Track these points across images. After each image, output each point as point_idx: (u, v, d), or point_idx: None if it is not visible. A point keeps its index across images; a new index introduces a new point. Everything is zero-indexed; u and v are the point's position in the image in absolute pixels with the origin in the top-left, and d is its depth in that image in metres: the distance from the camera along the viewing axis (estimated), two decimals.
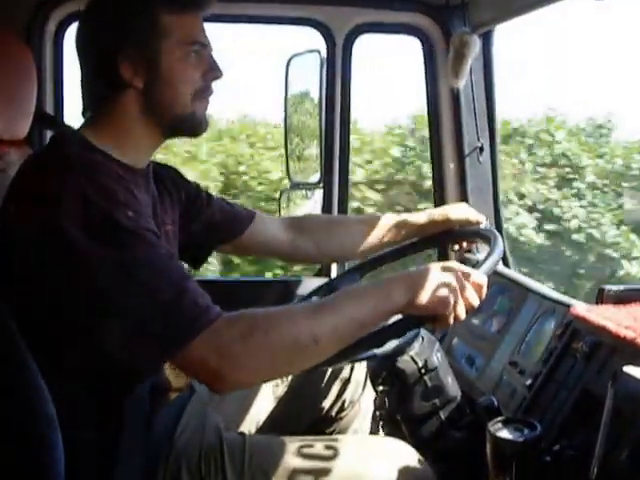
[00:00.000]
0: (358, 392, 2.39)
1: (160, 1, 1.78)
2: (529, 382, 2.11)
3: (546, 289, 2.39)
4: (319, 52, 3.04)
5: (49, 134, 2.71)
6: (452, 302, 1.67)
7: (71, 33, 2.83)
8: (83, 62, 1.86)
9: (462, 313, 1.70)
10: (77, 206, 1.57)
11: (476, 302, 1.73)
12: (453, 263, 1.76)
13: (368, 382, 2.33)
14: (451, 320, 1.70)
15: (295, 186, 3.37)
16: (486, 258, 1.88)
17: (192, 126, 1.86)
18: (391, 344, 1.98)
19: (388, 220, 2.43)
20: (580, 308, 2.05)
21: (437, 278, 1.69)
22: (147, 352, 1.57)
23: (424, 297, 1.66)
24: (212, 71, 1.84)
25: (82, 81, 1.88)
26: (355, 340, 1.69)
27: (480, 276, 1.74)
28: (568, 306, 2.14)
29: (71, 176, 1.62)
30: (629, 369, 1.61)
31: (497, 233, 2.08)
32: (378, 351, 1.93)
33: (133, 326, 1.55)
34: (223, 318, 1.58)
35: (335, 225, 2.51)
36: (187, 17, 1.80)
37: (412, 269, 1.76)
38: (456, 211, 2.39)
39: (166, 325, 1.55)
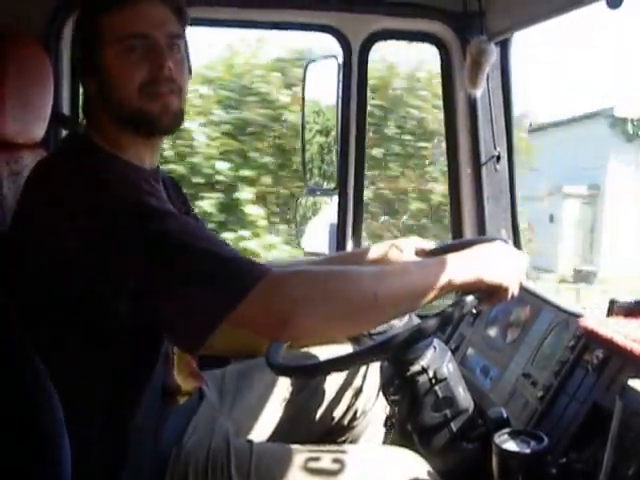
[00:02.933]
0: (370, 402, 2.39)
1: (96, 4, 1.79)
2: (541, 394, 2.09)
3: (562, 300, 2.37)
4: (336, 58, 3.04)
5: None
6: (512, 277, 1.77)
7: None
8: None
9: (517, 290, 1.80)
10: (106, 203, 1.59)
11: (524, 280, 1.85)
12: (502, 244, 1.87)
13: (380, 392, 2.32)
14: (509, 296, 1.79)
15: (311, 192, 3.37)
16: None
17: (148, 123, 1.79)
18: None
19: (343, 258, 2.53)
20: (590, 320, 2.04)
21: (498, 253, 1.80)
22: (210, 310, 1.55)
23: (491, 270, 1.74)
24: (155, 63, 1.75)
25: None
26: (412, 309, 1.77)
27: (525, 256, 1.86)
28: (579, 317, 2.13)
29: (90, 173, 1.65)
30: (635, 383, 1.59)
31: (508, 241, 2.07)
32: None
33: (195, 287, 1.55)
34: (281, 270, 1.60)
35: None
36: (118, 13, 1.76)
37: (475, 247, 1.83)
38: (407, 242, 2.35)
39: (227, 279, 1.56)
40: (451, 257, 1.74)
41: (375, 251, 2.30)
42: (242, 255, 1.63)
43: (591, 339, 1.99)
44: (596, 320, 2.04)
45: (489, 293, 1.78)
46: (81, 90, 2.86)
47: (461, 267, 1.72)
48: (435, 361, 2.04)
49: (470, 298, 1.78)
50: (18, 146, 2.04)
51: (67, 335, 1.70)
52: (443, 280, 1.68)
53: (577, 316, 2.18)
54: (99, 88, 1.79)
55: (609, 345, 1.89)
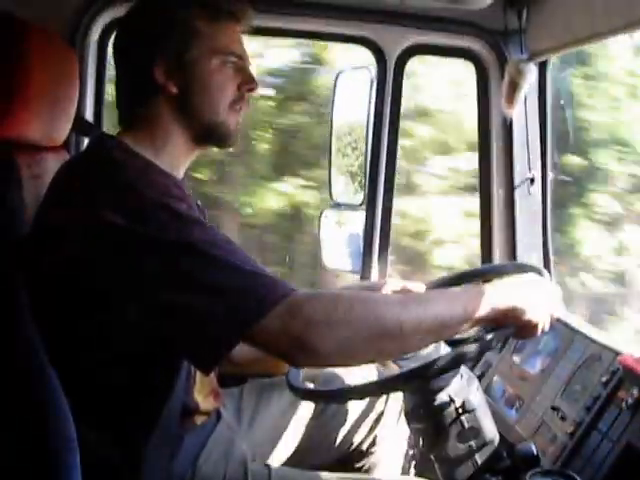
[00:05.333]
0: (391, 428, 2.32)
1: (197, 8, 1.79)
2: (571, 429, 2.03)
3: (594, 332, 2.30)
4: (369, 69, 2.98)
5: (86, 141, 2.69)
6: (544, 312, 1.72)
7: None
8: (119, 67, 1.87)
9: (548, 325, 1.75)
10: (132, 203, 1.57)
11: (556, 314, 1.78)
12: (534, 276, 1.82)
13: (402, 417, 2.26)
14: (539, 332, 1.74)
15: (336, 206, 3.31)
16: None
17: (222, 135, 1.85)
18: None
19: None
20: (629, 358, 1.96)
21: (530, 287, 1.74)
22: (227, 326, 1.51)
23: (521, 304, 1.69)
24: (248, 83, 1.84)
25: (117, 86, 1.88)
26: (437, 340, 1.77)
27: (558, 289, 1.81)
28: (616, 352, 2.07)
29: (119, 176, 1.62)
30: None
31: (542, 268, 2.01)
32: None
33: (212, 302, 1.51)
34: (304, 291, 1.56)
35: None
36: (223, 27, 1.81)
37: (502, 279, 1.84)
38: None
39: (247, 295, 1.52)
40: (482, 288, 1.70)
41: (393, 284, 2.23)
42: (266, 272, 1.58)
43: (629, 377, 1.92)
44: (635, 357, 1.96)
45: (519, 327, 1.73)
46: (108, 91, 2.84)
47: (492, 300, 1.66)
48: (462, 390, 1.97)
49: (503, 330, 1.73)
50: (40, 149, 1.99)
51: (82, 348, 1.68)
52: (472, 312, 1.63)
53: (611, 350, 2.12)
54: (181, 88, 1.79)
55: None
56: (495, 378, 2.55)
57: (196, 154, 1.92)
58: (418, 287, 2.21)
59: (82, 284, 1.60)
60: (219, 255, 1.54)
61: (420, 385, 1.90)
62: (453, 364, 1.76)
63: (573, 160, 6.94)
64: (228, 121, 1.83)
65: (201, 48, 1.79)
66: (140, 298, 1.55)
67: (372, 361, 1.95)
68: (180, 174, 1.87)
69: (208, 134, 1.85)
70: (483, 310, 1.64)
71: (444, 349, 1.99)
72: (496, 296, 1.67)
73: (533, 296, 1.72)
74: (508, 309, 1.67)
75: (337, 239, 3.31)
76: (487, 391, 2.46)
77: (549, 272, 2.03)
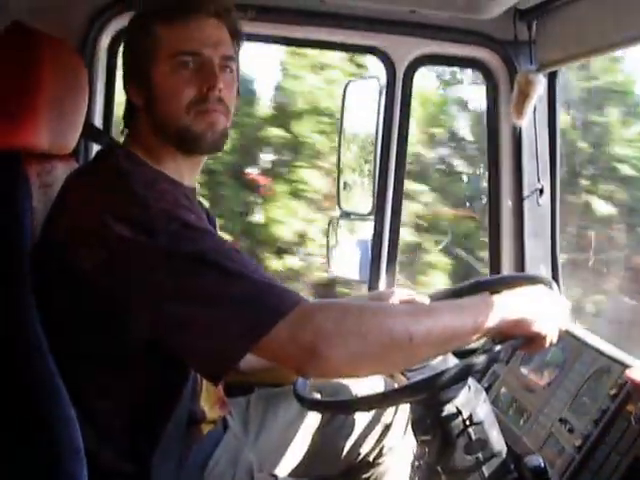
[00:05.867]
0: (398, 439, 2.31)
1: (154, 15, 1.78)
2: (579, 442, 2.02)
3: (604, 345, 2.28)
4: (378, 79, 2.98)
5: (95, 149, 2.70)
6: (552, 324, 1.72)
7: None
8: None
9: (556, 337, 1.75)
10: (140, 214, 1.57)
11: (564, 327, 1.79)
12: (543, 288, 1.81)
13: (408, 428, 2.25)
14: (548, 344, 1.74)
15: (345, 215, 3.31)
16: None
17: (193, 140, 1.79)
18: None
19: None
20: (638, 372, 1.95)
21: (539, 299, 1.73)
22: (236, 336, 1.51)
23: (531, 316, 1.68)
24: (205, 82, 1.76)
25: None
26: (446, 351, 1.76)
27: (567, 302, 1.81)
28: (624, 365, 2.05)
29: (128, 186, 1.62)
30: None
31: (551, 280, 2.00)
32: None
33: (221, 312, 1.51)
34: (314, 301, 1.57)
35: None
36: (178, 26, 1.77)
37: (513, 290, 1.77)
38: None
39: (256, 305, 1.52)
40: (492, 299, 1.69)
41: (400, 294, 2.23)
42: (276, 282, 1.58)
43: (636, 391, 1.91)
44: None
45: (527, 339, 1.73)
46: (116, 101, 2.84)
47: (501, 311, 1.66)
48: (470, 402, 1.96)
49: (512, 342, 1.72)
50: (50, 157, 1.99)
51: (89, 358, 1.68)
52: (482, 323, 1.63)
53: (619, 363, 2.10)
54: (146, 100, 1.79)
55: None
56: (502, 390, 2.54)
57: (194, 162, 1.88)
58: (425, 298, 2.21)
59: (90, 294, 1.60)
60: (228, 265, 1.54)
61: (428, 396, 1.90)
62: (461, 376, 1.75)
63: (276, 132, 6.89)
64: (194, 125, 1.77)
65: (154, 56, 1.76)
66: (149, 309, 1.55)
67: (381, 372, 1.96)
68: (190, 183, 1.87)
69: (180, 140, 1.80)
70: (492, 321, 1.64)
71: (452, 360, 1.98)
72: (505, 307, 1.67)
73: (542, 308, 1.72)
74: (517, 320, 1.67)
75: (345, 247, 3.31)
76: (494, 402, 2.44)
77: (557, 284, 2.02)
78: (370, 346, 1.55)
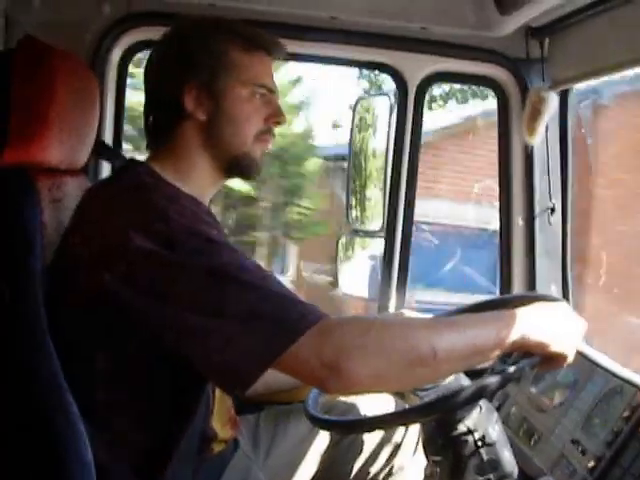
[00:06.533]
0: (408, 458, 2.29)
1: (232, 39, 1.81)
2: (592, 464, 2.00)
3: (615, 366, 2.26)
4: (389, 96, 2.98)
5: (105, 164, 2.71)
6: (571, 343, 1.70)
7: (135, 62, 2.83)
8: (149, 91, 1.88)
9: (573, 356, 1.73)
10: (161, 228, 1.56)
11: (579, 346, 1.79)
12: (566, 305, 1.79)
13: (419, 448, 2.23)
14: (570, 360, 1.72)
15: (354, 233, 3.30)
16: None
17: (247, 166, 1.85)
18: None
19: None
20: None
21: (558, 316, 1.71)
22: (258, 351, 1.50)
23: (551, 334, 1.66)
24: (275, 116, 1.85)
25: (145, 111, 1.88)
26: (470, 367, 1.68)
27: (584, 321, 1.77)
28: (637, 387, 2.04)
29: (150, 201, 1.62)
30: None
31: (563, 300, 1.99)
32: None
33: (244, 327, 1.50)
34: (336, 317, 1.55)
35: None
36: (257, 59, 1.83)
37: (536, 304, 1.76)
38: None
39: (278, 320, 1.50)
40: (515, 313, 1.66)
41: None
42: (298, 297, 1.57)
43: None
44: None
45: (546, 358, 1.71)
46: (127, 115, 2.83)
47: (524, 327, 1.63)
48: (482, 422, 1.95)
49: (529, 360, 1.70)
50: (61, 172, 1.98)
51: (104, 376, 1.67)
52: (505, 338, 1.61)
53: (632, 384, 2.09)
54: (210, 115, 1.80)
55: None
56: (513, 409, 2.52)
57: (221, 184, 1.93)
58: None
59: (109, 309, 1.59)
60: (250, 280, 1.54)
61: (440, 416, 1.88)
62: (478, 395, 1.74)
63: None
64: (254, 152, 1.84)
65: (232, 77, 1.80)
66: (170, 323, 1.54)
67: (403, 388, 1.95)
68: (206, 202, 1.87)
69: (233, 163, 1.85)
70: (515, 336, 1.62)
71: (464, 379, 1.97)
72: (528, 323, 1.65)
73: (562, 326, 1.70)
74: (538, 337, 1.65)
75: (355, 265, 3.30)
76: (505, 422, 2.41)
77: (569, 303, 2.01)
78: (393, 362, 1.54)
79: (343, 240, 3.34)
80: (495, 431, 1.96)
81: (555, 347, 1.67)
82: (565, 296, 2.81)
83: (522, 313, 1.67)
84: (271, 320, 1.50)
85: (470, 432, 1.90)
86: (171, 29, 1.89)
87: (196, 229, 1.59)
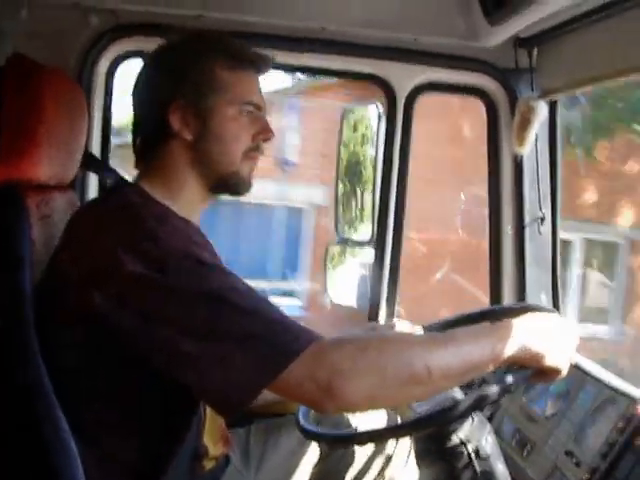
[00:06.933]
0: (399, 470, 2.28)
1: (219, 57, 1.80)
2: (586, 476, 1.99)
3: (607, 375, 2.26)
4: (377, 105, 2.97)
5: (93, 179, 2.70)
6: (566, 356, 1.70)
7: (120, 73, 2.81)
8: (137, 108, 1.87)
9: (567, 369, 1.72)
10: (151, 249, 1.56)
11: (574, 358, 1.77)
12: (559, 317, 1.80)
13: (410, 459, 2.22)
14: (564, 374, 1.71)
15: (342, 242, 3.28)
16: None
17: (236, 184, 1.85)
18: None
19: None
20: None
21: (553, 329, 1.70)
22: (252, 373, 1.50)
23: (546, 346, 1.65)
24: (263, 133, 1.84)
25: (134, 129, 1.88)
26: (464, 382, 1.70)
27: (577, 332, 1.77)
28: (630, 397, 2.03)
29: (140, 222, 1.62)
30: None
31: (555, 310, 1.99)
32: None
33: (237, 350, 1.49)
34: (331, 337, 1.54)
35: None
36: (244, 77, 1.82)
37: (529, 315, 1.75)
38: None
39: (272, 342, 1.50)
40: (509, 325, 1.66)
41: (401, 327, 2.21)
42: (290, 319, 1.57)
43: None
44: None
45: (540, 371, 1.70)
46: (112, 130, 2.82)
47: (520, 339, 1.63)
48: (474, 434, 1.94)
49: (523, 372, 1.70)
50: (49, 188, 1.98)
51: (95, 396, 1.67)
52: (501, 352, 1.61)
53: (625, 395, 2.08)
54: (197, 135, 1.79)
55: None
56: (505, 419, 2.51)
57: (210, 202, 1.91)
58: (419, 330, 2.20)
59: (99, 330, 1.59)
60: (242, 303, 1.53)
61: (434, 429, 1.87)
62: (475, 408, 1.73)
63: None
64: (242, 170, 1.83)
65: (219, 96, 1.80)
66: (161, 346, 1.54)
67: (398, 405, 1.98)
68: (197, 222, 1.86)
69: (222, 182, 1.84)
70: (511, 350, 1.62)
71: (457, 392, 1.96)
72: (523, 337, 1.64)
73: (557, 339, 1.69)
74: (533, 350, 1.65)
75: (344, 275, 3.29)
76: (497, 432, 2.39)
77: (559, 313, 2.00)
78: (388, 382, 1.54)
79: (332, 249, 3.31)
80: (488, 443, 1.95)
81: (550, 361, 1.67)
82: (555, 305, 2.80)
83: (517, 326, 1.66)
84: (264, 343, 1.50)
85: (463, 444, 1.90)
86: (157, 48, 1.88)
87: (187, 251, 1.58)
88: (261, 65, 1.87)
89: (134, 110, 1.89)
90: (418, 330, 2.19)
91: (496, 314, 2.19)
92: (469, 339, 1.63)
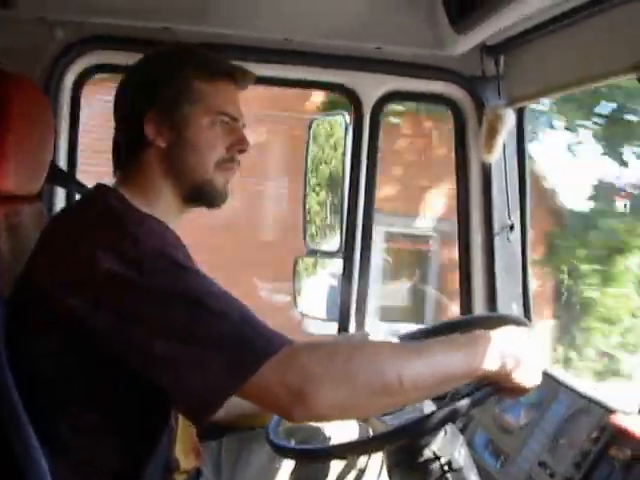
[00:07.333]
0: None
1: (195, 67, 1.81)
2: None
3: (580, 385, 2.25)
4: (343, 115, 2.95)
5: (60, 190, 2.66)
6: (536, 370, 1.69)
7: (89, 87, 2.80)
8: (115, 117, 1.88)
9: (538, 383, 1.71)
10: (129, 249, 1.56)
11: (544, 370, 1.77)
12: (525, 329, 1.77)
13: (383, 473, 2.20)
14: (533, 388, 1.71)
15: (311, 253, 3.26)
16: None
17: (210, 194, 1.85)
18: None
19: None
20: (622, 417, 1.92)
21: (522, 343, 1.69)
22: (222, 377, 1.49)
23: (516, 365, 1.65)
24: (238, 144, 1.84)
25: (114, 138, 1.89)
26: (434, 395, 1.69)
27: (546, 344, 1.75)
28: (604, 407, 2.02)
29: (118, 224, 1.63)
30: None
31: (527, 320, 1.97)
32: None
33: (208, 353, 1.49)
34: (301, 342, 1.54)
35: None
36: (219, 87, 1.82)
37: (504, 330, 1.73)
38: None
39: (242, 346, 1.50)
40: (485, 338, 1.65)
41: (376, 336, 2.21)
42: (263, 323, 1.56)
43: (621, 437, 1.87)
44: (627, 417, 1.92)
45: (512, 385, 1.70)
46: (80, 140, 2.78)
47: (490, 355, 1.62)
48: (447, 446, 1.92)
49: (492, 386, 1.69)
50: (17, 199, 1.97)
51: (66, 404, 1.65)
52: (475, 367, 1.61)
53: (599, 405, 2.07)
54: (171, 144, 1.80)
55: None
56: (478, 430, 2.50)
57: (185, 213, 1.91)
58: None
59: (75, 334, 1.59)
60: (215, 305, 1.53)
61: (407, 442, 1.85)
62: (447, 420, 1.72)
63: None
64: (216, 180, 1.83)
65: (194, 106, 1.80)
66: (135, 347, 1.54)
67: (368, 415, 1.97)
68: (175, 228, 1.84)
69: (196, 191, 1.84)
70: (484, 366, 1.61)
71: (427, 405, 1.94)
72: (497, 352, 1.63)
73: (529, 355, 1.68)
74: (507, 368, 1.65)
75: (313, 286, 3.27)
76: (470, 444, 2.38)
77: (530, 321, 1.99)
78: (359, 390, 1.53)
79: (301, 260, 3.27)
80: (461, 455, 1.93)
81: (520, 377, 1.67)
82: (527, 315, 2.80)
83: (492, 341, 1.65)
84: (235, 346, 1.49)
85: (436, 458, 1.88)
86: (138, 59, 1.90)
87: (163, 251, 1.59)
88: (239, 77, 1.88)
89: (115, 119, 1.89)
90: (394, 340, 2.17)
91: (471, 324, 2.18)
92: (442, 350, 1.62)
